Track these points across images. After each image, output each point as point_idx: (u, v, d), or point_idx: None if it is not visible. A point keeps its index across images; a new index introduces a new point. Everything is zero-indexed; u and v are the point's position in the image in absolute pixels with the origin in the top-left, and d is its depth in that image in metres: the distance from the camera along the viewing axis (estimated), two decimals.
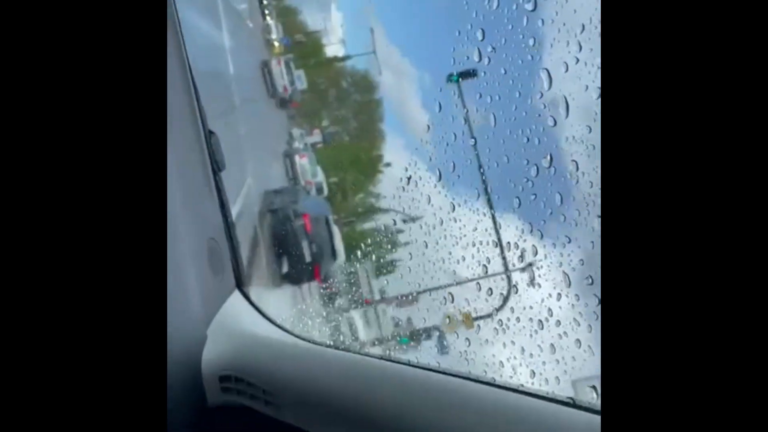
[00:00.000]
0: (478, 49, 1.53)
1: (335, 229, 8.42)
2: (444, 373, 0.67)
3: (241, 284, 1.08)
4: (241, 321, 1.11)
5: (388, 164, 36.89)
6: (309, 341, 1.06)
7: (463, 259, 1.68)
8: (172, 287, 0.79)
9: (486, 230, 1.58)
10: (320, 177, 14.21)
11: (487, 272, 1.61)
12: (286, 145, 16.58)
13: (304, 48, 26.54)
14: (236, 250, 1.07)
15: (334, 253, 7.89)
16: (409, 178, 1.76)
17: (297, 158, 14.08)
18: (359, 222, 32.21)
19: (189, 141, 0.88)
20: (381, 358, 0.80)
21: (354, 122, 53.74)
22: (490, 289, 1.55)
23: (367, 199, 33.78)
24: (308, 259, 7.47)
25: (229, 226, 1.05)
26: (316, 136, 27.73)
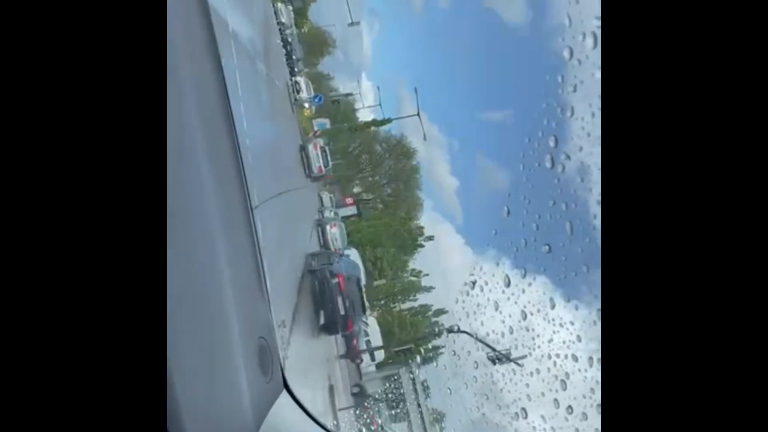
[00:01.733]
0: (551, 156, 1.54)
1: (372, 322, 10.04)
2: None
3: (288, 385, 1.06)
4: (291, 426, 1.08)
5: (430, 238, 36.84)
6: None
7: (537, 372, 1.62)
8: (225, 390, 0.79)
9: (564, 342, 1.53)
10: (357, 261, 13.87)
11: (565, 388, 1.51)
12: (318, 213, 18.50)
13: (337, 111, 27.24)
14: (283, 349, 0.99)
15: (364, 308, 9.55)
16: (474, 283, 1.73)
17: (328, 228, 15.93)
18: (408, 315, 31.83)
19: (241, 236, 0.87)
20: None
21: (388, 189, 54.07)
22: (570, 407, 1.49)
23: (410, 280, 33.63)
24: (342, 312, 8.70)
25: (274, 325, 1.02)
26: (350, 209, 27.98)
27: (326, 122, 24.21)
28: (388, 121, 24.72)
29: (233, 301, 0.80)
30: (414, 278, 31.19)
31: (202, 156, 0.72)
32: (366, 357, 13.57)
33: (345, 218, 27.04)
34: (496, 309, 1.60)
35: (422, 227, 35.61)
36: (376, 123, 23.89)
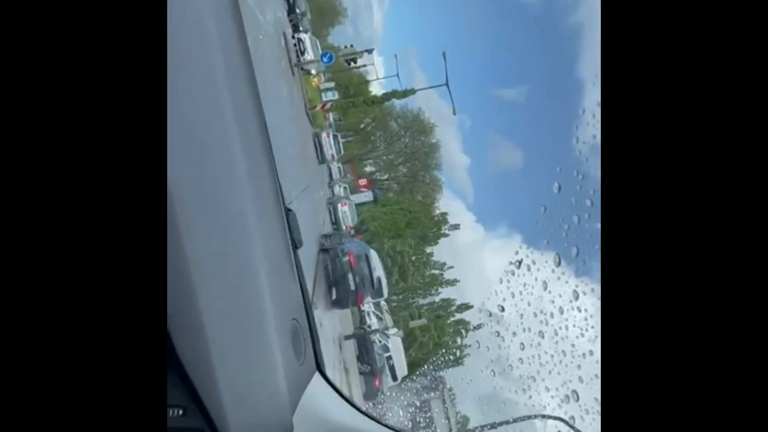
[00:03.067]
0: None
1: (395, 341, 11.57)
2: None
3: (321, 367, 1.05)
4: (326, 408, 1.06)
5: (455, 227, 33.33)
6: (396, 430, 1.08)
7: (591, 353, 1.49)
8: (260, 373, 0.80)
9: None
10: (377, 266, 12.31)
11: None
12: (330, 192, 19.20)
13: (349, 83, 23.61)
14: (315, 330, 1.01)
15: (373, 284, 10.43)
16: (519, 262, 1.64)
17: (339, 206, 16.91)
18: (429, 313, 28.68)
19: (273, 219, 0.84)
20: None
21: (404, 168, 50.57)
22: None
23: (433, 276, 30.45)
24: (352, 287, 9.84)
25: (307, 306, 0.98)
26: (365, 194, 24.71)
27: (336, 92, 22.73)
28: (412, 92, 21.12)
29: (267, 283, 0.80)
30: (437, 271, 27.80)
31: (236, 143, 0.73)
32: (386, 378, 13.29)
33: (360, 205, 23.76)
34: (545, 288, 1.50)
35: (445, 213, 31.92)
36: (397, 94, 20.34)
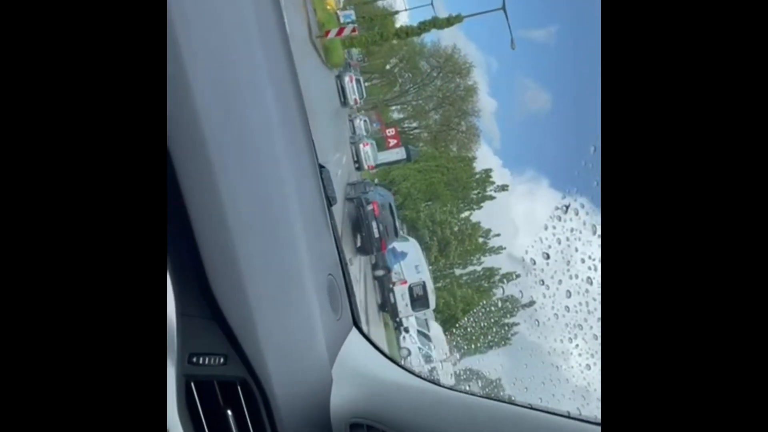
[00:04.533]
0: None
1: (436, 329, 11.34)
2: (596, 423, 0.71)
3: (357, 322, 1.07)
4: (363, 362, 1.10)
5: (503, 188, 28.88)
6: (436, 384, 1.07)
7: None
8: (299, 325, 0.83)
9: None
10: (417, 250, 12.38)
11: None
12: (350, 127, 19.50)
13: (372, 12, 18.96)
14: (351, 286, 1.04)
15: (396, 231, 11.04)
16: (567, 207, 1.42)
17: (361, 146, 17.45)
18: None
19: (307, 176, 0.86)
20: (513, 404, 0.82)
21: (436, 115, 45.60)
22: None
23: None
24: (376, 235, 10.12)
25: (342, 261, 1.00)
26: (396, 152, 20.42)
27: (352, 13, 21.12)
28: (458, 19, 16.37)
29: (303, 238, 0.82)
30: (481, 239, 23.58)
31: (269, 95, 0.74)
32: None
33: (391, 165, 19.77)
34: (594, 233, 1.36)
35: (489, 170, 27.23)
36: (439, 23, 15.50)
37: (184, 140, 0.61)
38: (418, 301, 11.09)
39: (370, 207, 10.14)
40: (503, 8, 16.91)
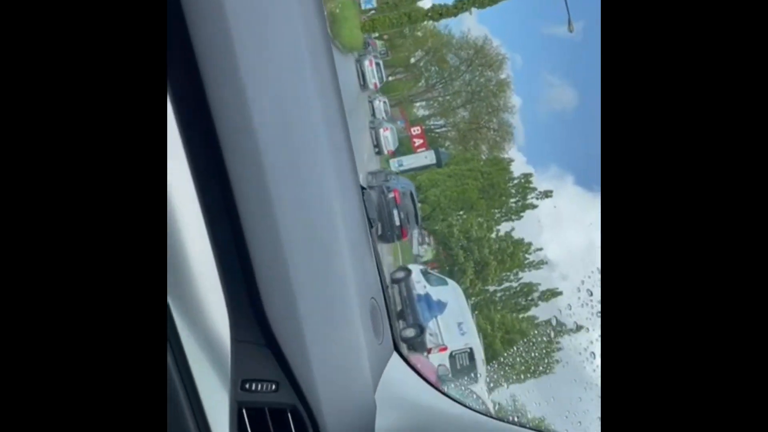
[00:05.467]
0: None
1: (477, 347, 8.85)
2: None
3: (398, 346, 1.07)
4: (406, 388, 1.12)
5: (547, 194, 25.82)
6: (482, 413, 1.09)
7: None
8: (347, 351, 0.83)
9: None
10: (470, 329, 8.90)
11: None
12: (370, 110, 19.40)
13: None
14: (391, 309, 1.04)
15: (417, 219, 11.30)
16: None
17: (381, 131, 17.32)
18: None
19: (351, 197, 0.86)
20: None
21: (464, 113, 42.52)
22: None
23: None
24: (398, 223, 10.18)
25: (383, 284, 1.01)
26: (424, 155, 17.85)
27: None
28: None
29: (349, 262, 0.81)
30: (522, 254, 20.61)
31: (321, 124, 0.75)
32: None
33: (419, 170, 17.35)
34: None
35: (529, 175, 24.04)
36: (474, 1, 12.43)
37: (247, 173, 0.62)
38: (463, 371, 8.24)
39: (391, 195, 10.22)
40: None
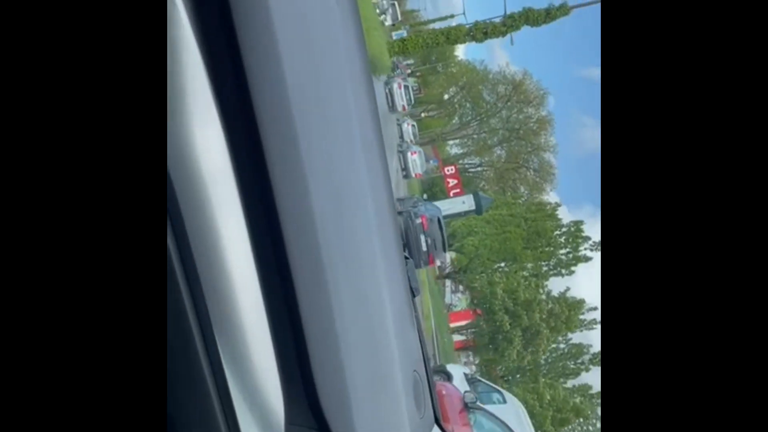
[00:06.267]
0: None
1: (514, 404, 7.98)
2: None
3: (439, 420, 1.05)
4: None
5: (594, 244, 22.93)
6: None
7: None
8: (391, 425, 0.85)
9: None
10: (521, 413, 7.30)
11: None
12: (398, 132, 19.84)
13: (432, 42, 13.98)
14: (432, 381, 1.02)
15: (444, 246, 10.88)
16: None
17: (409, 155, 17.56)
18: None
19: (395, 265, 0.86)
20: None
21: (501, 151, 39.99)
22: None
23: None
24: (424, 248, 10.27)
25: (425, 356, 1.00)
26: (461, 201, 15.77)
27: (404, 32, 20.42)
28: (564, 10, 10.59)
29: (394, 335, 0.84)
30: (577, 316, 17.71)
31: (370, 200, 0.76)
32: None
33: (454, 217, 14.66)
34: None
35: (580, 222, 21.01)
36: (534, 17, 9.88)
37: (303, 256, 0.65)
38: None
39: (419, 221, 10.33)
40: None
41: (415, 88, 32.98)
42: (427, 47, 15.11)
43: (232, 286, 0.61)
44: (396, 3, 20.11)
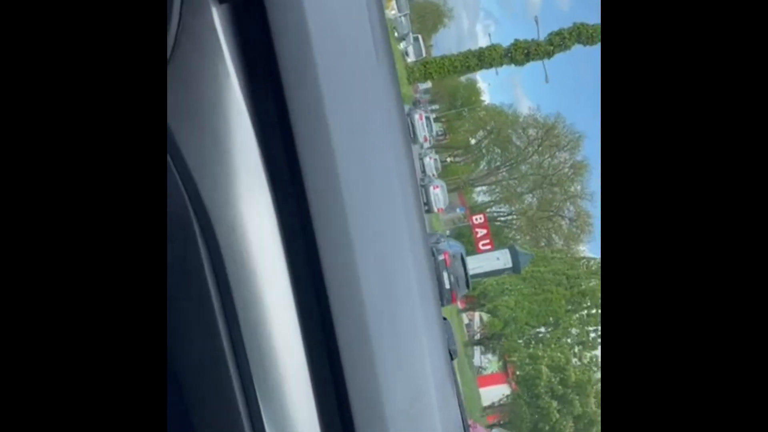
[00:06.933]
0: None
1: None
2: None
3: None
4: None
5: None
6: None
7: None
8: None
9: None
10: None
11: None
12: (420, 166, 19.59)
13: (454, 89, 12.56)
14: None
15: (467, 283, 10.63)
16: None
17: (431, 189, 17.35)
18: None
19: (435, 328, 0.83)
20: None
21: (533, 198, 37.78)
22: None
23: None
24: (447, 286, 9.92)
25: (464, 420, 0.95)
26: (497, 257, 13.58)
27: (428, 84, 21.84)
28: None
29: (435, 398, 0.82)
30: None
31: (410, 262, 0.75)
32: None
33: (488, 276, 12.46)
34: None
35: None
36: (584, 33, 7.64)
37: (349, 323, 0.66)
38: None
39: (441, 257, 9.89)
40: None
41: (439, 133, 31.54)
42: (455, 71, 12.89)
43: (277, 353, 0.62)
44: (421, 37, 19.02)
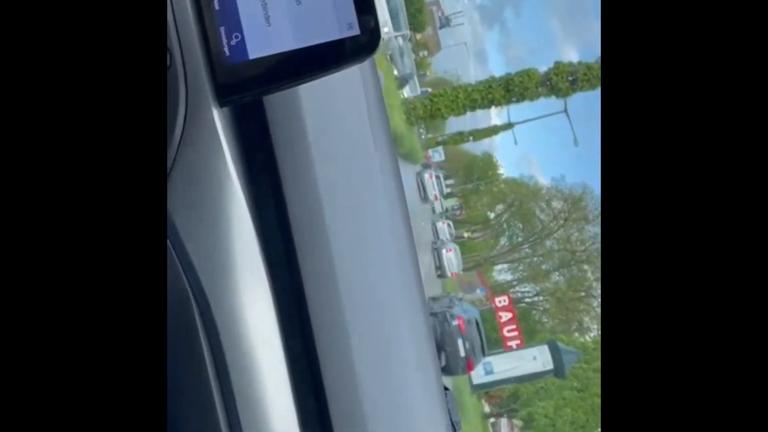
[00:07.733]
0: None
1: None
2: None
3: None
4: None
5: None
6: None
7: None
8: None
9: None
10: None
11: None
12: (433, 231, 19.67)
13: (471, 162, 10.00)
14: None
15: (483, 350, 10.20)
16: None
17: (444, 252, 16.99)
18: None
19: (435, 399, 0.83)
20: None
21: (560, 277, 34.58)
22: None
23: None
24: (462, 354, 9.49)
25: None
26: (534, 357, 10.66)
27: (440, 150, 21.09)
28: None
29: None
30: None
31: (409, 337, 0.76)
32: None
33: (522, 381, 8.97)
34: None
35: None
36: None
37: (345, 407, 0.67)
38: None
39: (455, 323, 9.48)
40: None
41: (455, 207, 29.72)
42: (473, 105, 10.07)
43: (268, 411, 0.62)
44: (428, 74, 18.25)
